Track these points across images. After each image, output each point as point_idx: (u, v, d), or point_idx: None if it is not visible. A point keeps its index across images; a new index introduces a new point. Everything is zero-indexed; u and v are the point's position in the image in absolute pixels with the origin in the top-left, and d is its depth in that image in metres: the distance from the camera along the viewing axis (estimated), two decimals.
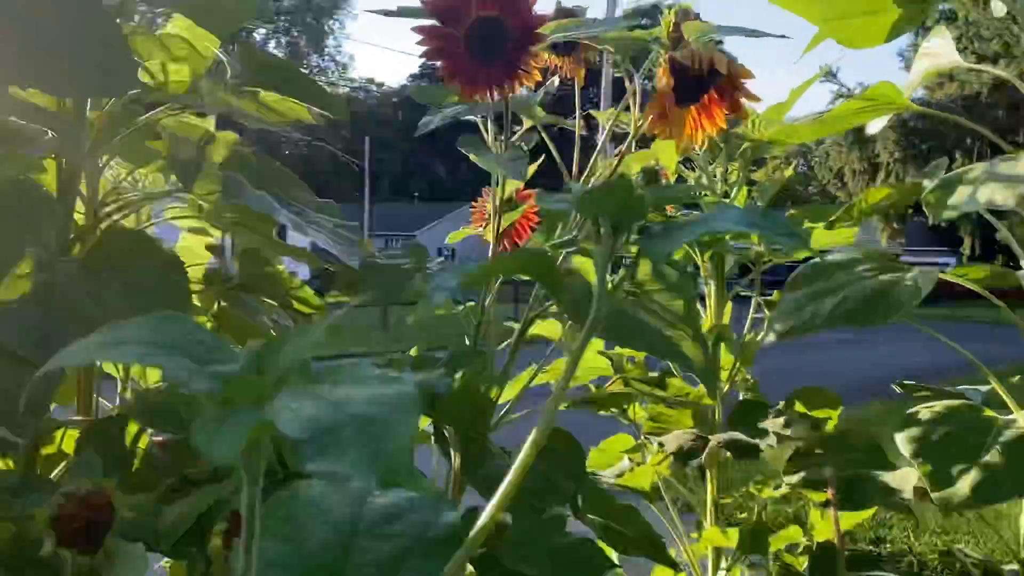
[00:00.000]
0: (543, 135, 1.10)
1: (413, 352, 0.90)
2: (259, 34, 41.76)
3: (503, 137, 0.94)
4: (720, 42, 0.98)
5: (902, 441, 0.93)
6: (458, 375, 0.86)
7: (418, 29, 0.79)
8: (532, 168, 1.29)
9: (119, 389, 1.35)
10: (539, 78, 1.07)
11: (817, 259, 1.04)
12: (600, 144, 1.08)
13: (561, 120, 1.13)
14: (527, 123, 1.09)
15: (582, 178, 1.09)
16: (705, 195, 1.45)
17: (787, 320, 1.01)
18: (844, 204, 1.20)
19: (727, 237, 1.38)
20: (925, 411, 0.95)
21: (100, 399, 1.29)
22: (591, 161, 1.08)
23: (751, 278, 1.50)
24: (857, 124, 1.00)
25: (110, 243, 0.80)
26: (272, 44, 43.13)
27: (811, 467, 1.05)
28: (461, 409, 0.78)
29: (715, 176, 1.49)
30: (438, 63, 0.80)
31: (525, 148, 0.88)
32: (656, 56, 0.96)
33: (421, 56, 0.80)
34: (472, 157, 0.83)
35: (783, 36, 0.85)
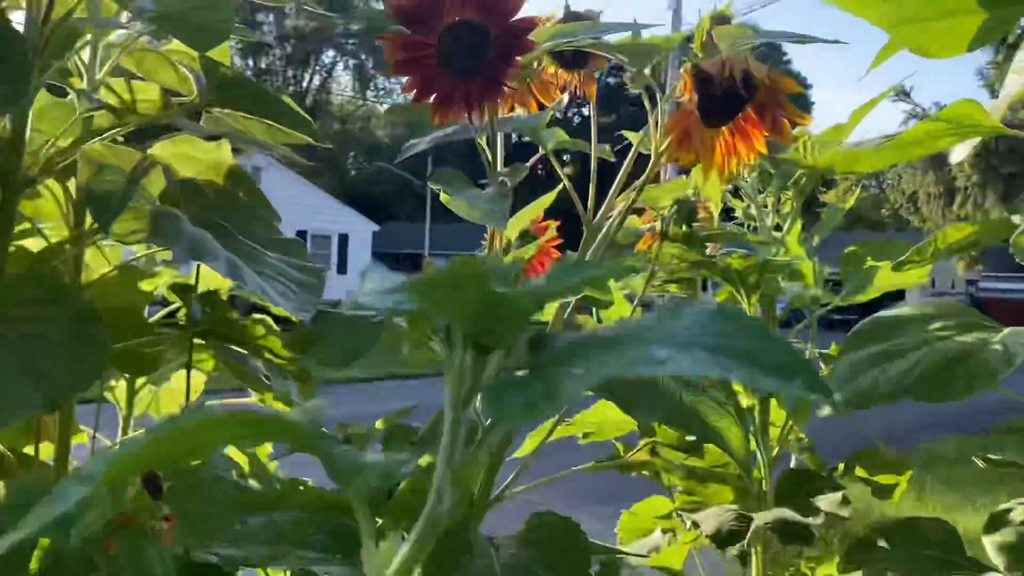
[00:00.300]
0: (555, 162, 0.95)
1: (379, 424, 0.75)
2: (327, 56, 42.64)
3: (496, 167, 0.79)
4: (785, 60, 0.82)
5: (992, 547, 0.74)
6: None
7: (382, 38, 0.65)
8: (550, 196, 1.14)
9: (120, 424, 1.23)
10: (556, 95, 0.92)
11: (882, 312, 0.87)
12: (621, 173, 0.92)
13: (578, 144, 0.98)
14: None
15: (598, 214, 0.93)
16: (751, 226, 1.28)
17: (844, 388, 0.83)
18: (915, 243, 1.01)
19: (779, 278, 1.21)
20: (1019, 509, 0.76)
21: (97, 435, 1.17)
22: (609, 194, 0.93)
23: (806, 323, 1.32)
24: (935, 150, 0.81)
25: (12, 287, 0.67)
26: (340, 66, 43.99)
27: (875, 564, 0.86)
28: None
29: (766, 207, 1.32)
30: (404, 78, 0.65)
31: (509, 184, 0.73)
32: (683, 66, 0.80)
33: (391, 73, 0.66)
34: (443, 198, 0.68)
35: (836, 41, 0.68)
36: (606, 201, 0.93)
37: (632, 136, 0.92)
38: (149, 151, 1.31)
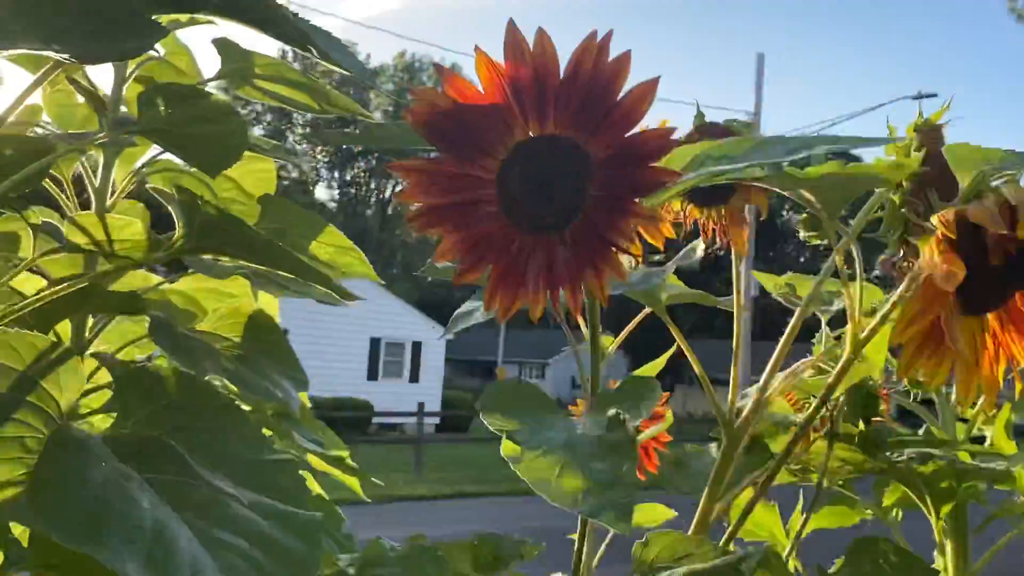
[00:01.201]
0: (667, 320, 0.65)
1: None
2: None
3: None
4: None
5: None
6: None
7: (397, 167, 0.37)
8: (660, 361, 0.84)
9: None
10: (668, 232, 0.62)
11: None
12: (780, 347, 0.62)
13: (707, 299, 0.68)
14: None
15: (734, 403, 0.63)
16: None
17: None
18: None
19: (980, 485, 0.86)
20: None
21: None
22: (764, 376, 0.63)
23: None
24: None
25: None
26: None
27: None
28: None
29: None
30: (439, 237, 0.37)
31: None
32: (893, 208, 0.51)
33: (418, 227, 0.37)
34: (504, 448, 0.39)
35: None
36: (760, 385, 0.63)
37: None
38: (174, 284, 1.06)
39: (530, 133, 0.38)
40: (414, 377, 18.48)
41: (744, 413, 0.64)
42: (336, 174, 41.53)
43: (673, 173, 0.35)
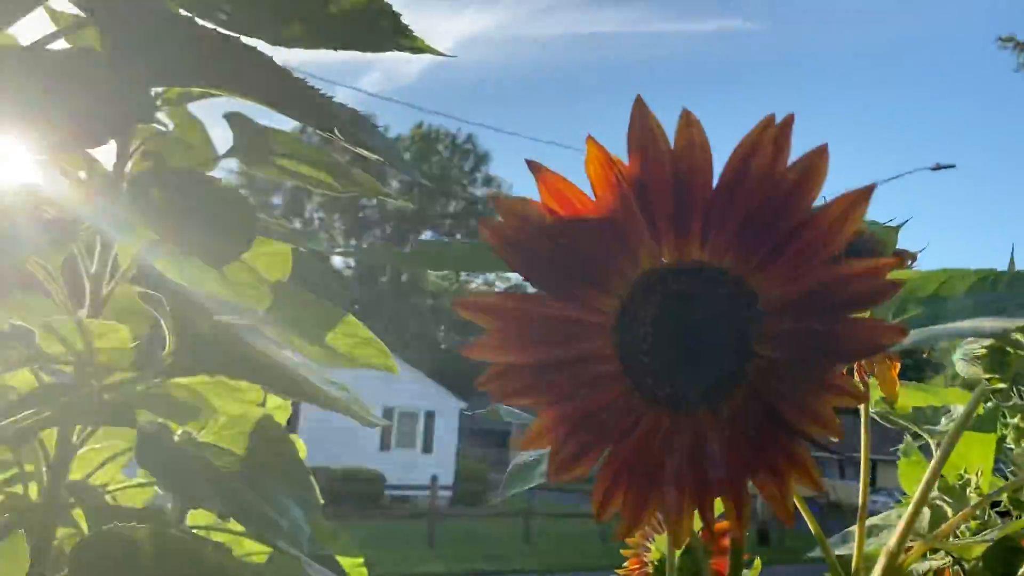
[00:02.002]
0: None
1: None
2: (426, 236, 44.27)
3: None
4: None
5: None
6: None
7: (467, 306, 0.24)
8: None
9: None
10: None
11: None
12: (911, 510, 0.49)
13: None
14: None
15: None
16: None
17: None
18: None
19: None
20: None
21: None
22: (896, 538, 0.50)
23: None
24: None
25: None
26: None
27: None
28: None
29: None
30: (544, 430, 0.24)
31: None
32: None
33: (484, 386, 0.25)
34: None
35: None
36: (893, 545, 0.49)
37: None
38: (179, 380, 0.94)
39: (663, 259, 0.25)
40: (427, 447, 18.14)
41: None
42: (353, 241, 41.83)
43: (899, 331, 0.23)
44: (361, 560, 1.09)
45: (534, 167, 0.25)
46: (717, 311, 0.25)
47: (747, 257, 0.25)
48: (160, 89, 0.90)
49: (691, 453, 0.25)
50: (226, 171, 0.82)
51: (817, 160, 0.23)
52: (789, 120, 0.24)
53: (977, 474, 0.75)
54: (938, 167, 14.02)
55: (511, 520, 13.62)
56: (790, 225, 0.24)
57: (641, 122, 0.25)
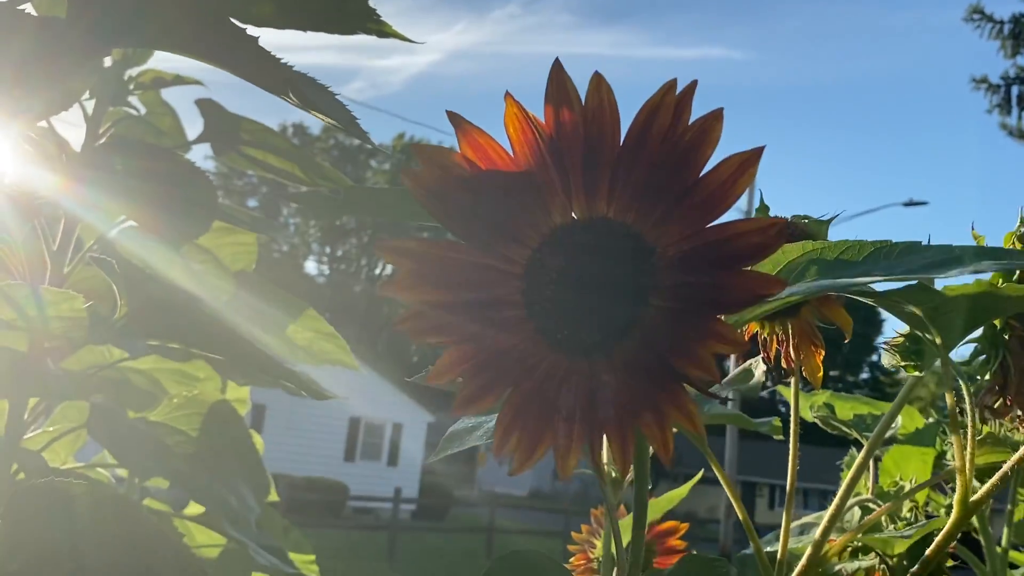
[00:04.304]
0: (706, 452, 0.54)
1: None
2: None
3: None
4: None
5: None
6: None
7: (387, 249, 0.26)
8: (680, 492, 0.73)
9: None
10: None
11: None
12: (838, 498, 0.51)
13: (750, 425, 0.57)
14: None
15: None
16: None
17: None
18: None
19: None
20: None
21: None
22: (819, 529, 0.52)
23: None
24: None
25: None
26: None
27: None
28: None
29: None
30: (449, 367, 0.26)
31: None
32: (992, 334, 0.41)
33: (399, 327, 0.26)
34: None
35: None
36: (817, 539, 0.51)
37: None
38: (135, 363, 0.95)
39: (574, 215, 0.27)
40: (392, 460, 18.01)
41: (796, 573, 0.52)
42: (328, 249, 41.60)
43: (778, 282, 0.25)
44: (313, 558, 1.09)
45: (455, 119, 0.26)
46: (618, 264, 0.27)
47: (648, 214, 0.26)
48: (133, 72, 0.91)
49: (584, 395, 0.26)
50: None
51: (712, 122, 0.25)
52: (692, 85, 0.26)
53: (911, 482, 0.77)
54: (911, 203, 14.28)
55: (473, 536, 13.54)
56: (686, 184, 0.26)
57: (558, 84, 0.26)
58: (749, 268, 0.26)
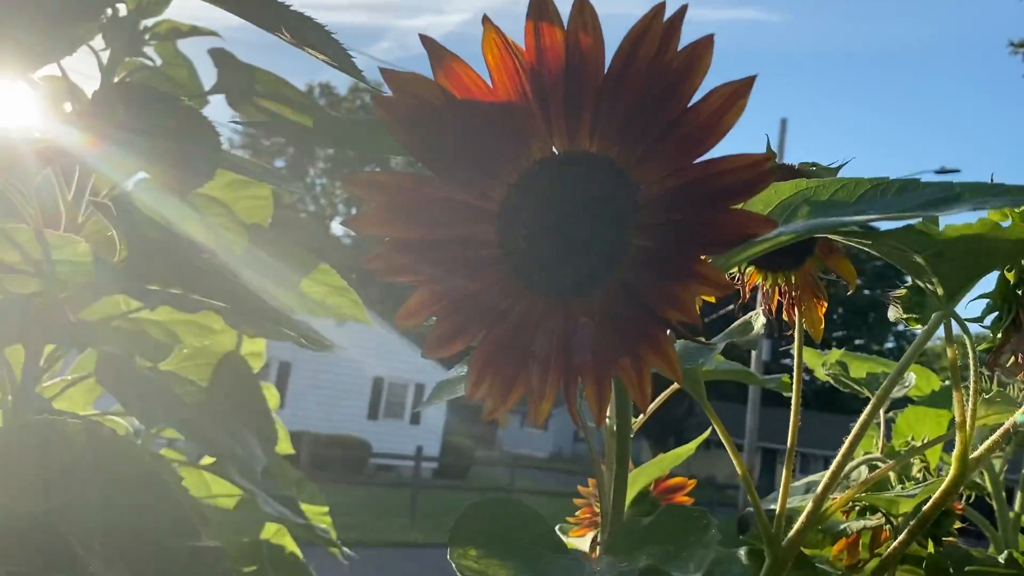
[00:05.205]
0: (705, 405, 0.53)
1: None
2: None
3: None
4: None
5: None
6: None
7: (354, 182, 0.25)
8: (689, 448, 0.72)
9: None
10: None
11: None
12: (839, 456, 0.50)
13: (748, 377, 0.57)
14: None
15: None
16: None
17: None
18: None
19: None
20: None
21: None
22: (820, 485, 0.51)
23: None
24: None
25: None
26: None
27: None
28: None
29: None
30: (419, 307, 0.25)
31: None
32: (1005, 288, 0.39)
33: (368, 265, 0.25)
34: None
35: None
36: (817, 494, 0.51)
37: None
38: (151, 314, 0.95)
39: (554, 148, 0.26)
40: (414, 420, 18.20)
41: (796, 528, 0.51)
42: (353, 210, 41.66)
43: (766, 221, 0.23)
44: (326, 510, 1.10)
45: (430, 46, 0.25)
46: (599, 202, 0.25)
47: (632, 148, 0.25)
48: (149, 23, 0.90)
49: (560, 338, 0.25)
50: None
51: (702, 50, 0.24)
52: (682, 10, 0.24)
53: (923, 442, 0.76)
54: (943, 171, 14.00)
55: (493, 496, 13.67)
56: (673, 115, 0.24)
57: (539, 9, 0.25)
58: (738, 207, 0.24)
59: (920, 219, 0.29)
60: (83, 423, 0.51)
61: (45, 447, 0.46)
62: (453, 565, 0.26)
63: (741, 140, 0.26)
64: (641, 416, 0.52)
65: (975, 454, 0.40)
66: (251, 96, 0.98)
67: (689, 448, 0.71)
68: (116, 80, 0.84)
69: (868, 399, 0.79)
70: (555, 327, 0.25)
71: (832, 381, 0.77)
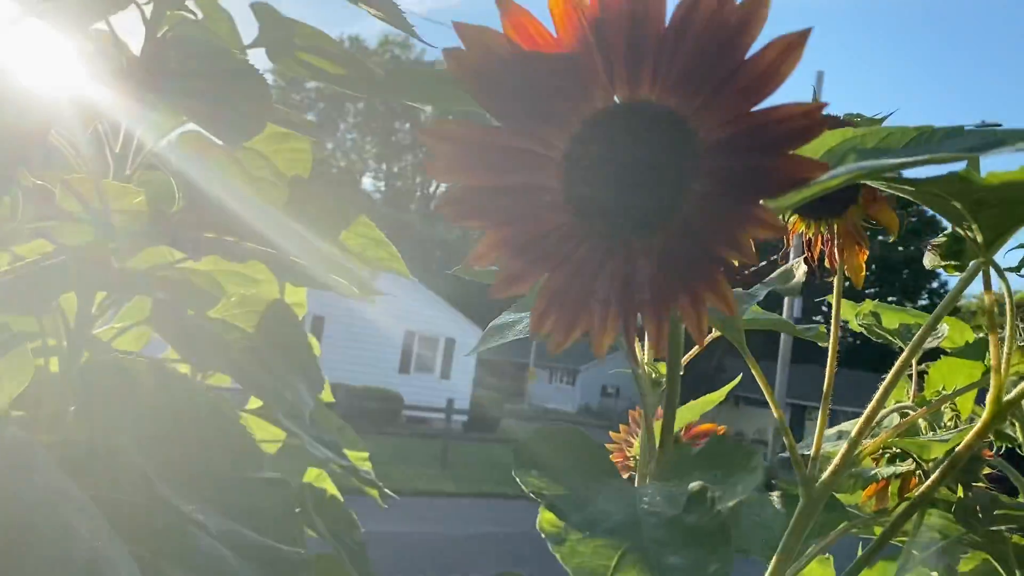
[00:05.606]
0: (742, 348, 0.55)
1: None
2: None
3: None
4: None
5: None
6: None
7: (429, 134, 0.26)
8: (719, 394, 0.74)
9: None
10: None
11: None
12: (877, 396, 0.52)
13: (782, 325, 0.58)
14: None
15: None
16: None
17: None
18: None
19: None
20: None
21: None
22: (854, 431, 0.53)
23: None
24: None
25: None
26: None
27: None
28: None
29: None
30: (487, 250, 0.27)
31: None
32: None
33: (441, 210, 0.27)
34: (542, 521, 0.28)
35: None
36: (852, 438, 0.52)
37: None
38: (196, 264, 0.98)
39: (616, 98, 0.27)
40: (445, 373, 18.41)
41: (830, 469, 0.53)
42: (384, 165, 41.66)
43: (819, 165, 0.25)
44: (367, 455, 1.14)
45: None
46: (659, 149, 0.27)
47: (691, 98, 0.26)
48: None
49: (620, 278, 0.27)
50: None
51: (759, 5, 0.25)
52: None
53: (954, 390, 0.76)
54: (984, 126, 13.64)
55: (558, 424, 13.87)
56: (731, 66, 0.25)
57: None
58: (796, 153, 0.26)
59: (964, 165, 0.30)
60: (149, 362, 0.54)
61: (116, 385, 0.49)
62: (518, 480, 0.29)
63: (776, 96, 0.27)
64: (687, 353, 0.54)
65: (1008, 396, 0.41)
66: (291, 50, 0.99)
67: (720, 394, 0.72)
68: (160, 33, 0.86)
69: (896, 356, 0.80)
70: (616, 269, 0.27)
71: (865, 331, 0.77)
